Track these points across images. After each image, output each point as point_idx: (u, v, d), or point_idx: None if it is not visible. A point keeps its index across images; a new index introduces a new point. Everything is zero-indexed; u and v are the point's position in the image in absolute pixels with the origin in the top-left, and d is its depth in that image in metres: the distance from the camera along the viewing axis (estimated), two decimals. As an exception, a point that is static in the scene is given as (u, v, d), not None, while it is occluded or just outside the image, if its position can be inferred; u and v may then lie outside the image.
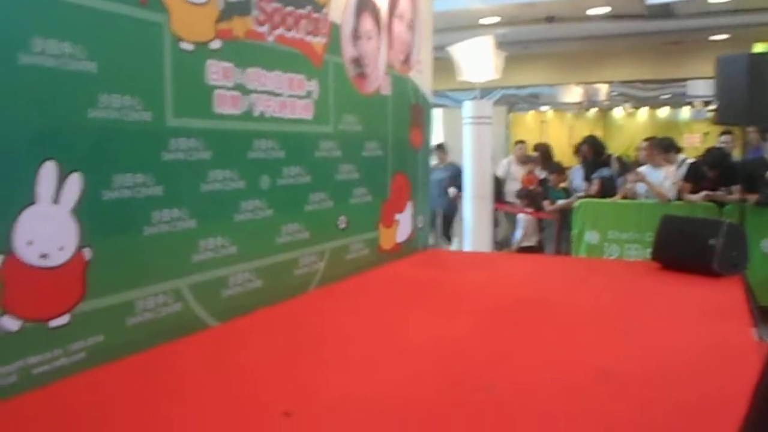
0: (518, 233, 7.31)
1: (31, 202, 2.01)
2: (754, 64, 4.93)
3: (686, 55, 11.97)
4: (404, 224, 4.64)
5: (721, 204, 5.86)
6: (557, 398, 2.04)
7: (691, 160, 6.69)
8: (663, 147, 6.49)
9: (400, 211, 4.58)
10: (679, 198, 6.14)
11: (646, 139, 6.89)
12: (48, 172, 2.05)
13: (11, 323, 1.96)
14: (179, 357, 2.44)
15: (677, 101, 15.97)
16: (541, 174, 7.66)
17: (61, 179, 2.09)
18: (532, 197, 7.29)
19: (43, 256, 2.05)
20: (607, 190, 6.70)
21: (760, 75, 4.89)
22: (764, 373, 0.95)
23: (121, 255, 2.35)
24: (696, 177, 6.11)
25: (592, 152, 7.31)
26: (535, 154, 8.08)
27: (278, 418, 1.87)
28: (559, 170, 7.36)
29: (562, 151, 9.69)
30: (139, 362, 2.33)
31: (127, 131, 2.36)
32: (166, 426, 1.85)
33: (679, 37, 11.06)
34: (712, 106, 5.65)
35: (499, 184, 7.65)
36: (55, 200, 2.08)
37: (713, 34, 10.64)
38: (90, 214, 2.19)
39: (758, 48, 9.19)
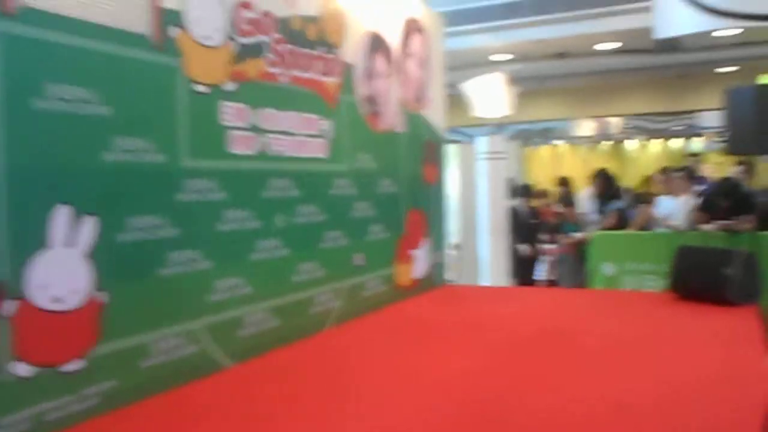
0: (543, 268, 7.25)
1: (45, 246, 2.00)
2: (761, 95, 4.97)
3: (694, 87, 12.03)
4: (420, 260, 4.60)
5: (734, 233, 5.80)
6: (578, 430, 2.02)
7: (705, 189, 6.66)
8: (689, 176, 6.51)
9: (416, 247, 4.55)
10: (694, 228, 6.08)
11: (663, 170, 6.86)
12: (61, 215, 2.05)
13: (24, 370, 1.94)
14: (194, 399, 2.41)
15: (689, 132, 15.95)
16: (558, 208, 7.63)
17: (75, 222, 2.09)
18: (553, 231, 7.25)
19: (56, 300, 2.03)
20: (622, 221, 6.67)
21: (766, 105, 4.91)
22: None
23: (136, 297, 2.33)
24: (709, 207, 6.06)
25: (604, 185, 7.29)
26: (557, 188, 8.05)
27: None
28: (572, 203, 7.34)
29: (577, 184, 9.66)
30: (154, 406, 2.30)
31: (141, 173, 2.36)
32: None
33: (687, 71, 11.14)
34: (722, 137, 5.65)
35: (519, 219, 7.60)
36: (69, 244, 2.07)
37: (719, 67, 10.69)
38: (104, 257, 2.18)
39: (764, 79, 9.20)
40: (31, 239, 1.98)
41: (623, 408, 2.19)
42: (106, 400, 2.19)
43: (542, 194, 7.94)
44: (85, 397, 2.13)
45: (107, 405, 2.19)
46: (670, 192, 6.36)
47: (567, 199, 7.45)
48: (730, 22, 6.15)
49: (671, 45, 9.09)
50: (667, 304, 3.99)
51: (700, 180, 7.04)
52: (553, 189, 8.16)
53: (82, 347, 2.12)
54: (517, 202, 7.62)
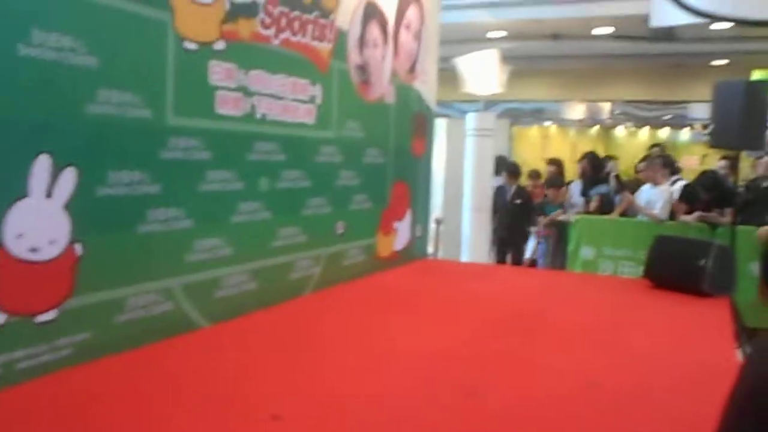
0: (531, 245, 7.26)
1: (24, 195, 1.99)
2: (749, 91, 5.02)
3: (687, 78, 12.05)
4: (403, 232, 4.62)
5: (713, 226, 5.89)
6: (545, 408, 2.07)
7: (684, 182, 6.72)
8: (663, 164, 6.55)
9: (399, 219, 4.56)
10: (673, 218, 6.16)
11: (643, 159, 6.91)
12: (42, 165, 2.02)
13: (-2, 316, 1.93)
14: (168, 357, 2.41)
15: (678, 123, 16.02)
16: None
17: (55, 173, 2.06)
18: (538, 212, 7.26)
19: (33, 250, 2.02)
20: (605, 206, 6.72)
21: (754, 102, 4.98)
22: (737, 387, 0.97)
23: (113, 252, 2.32)
24: (690, 198, 6.15)
25: (591, 168, 7.33)
26: (549, 167, 8.00)
27: (266, 422, 1.85)
28: (560, 185, 7.31)
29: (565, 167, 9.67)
30: (127, 360, 2.30)
31: (126, 128, 2.34)
32: (150, 426, 1.82)
33: (681, 60, 11.15)
34: (708, 130, 5.72)
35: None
36: (48, 194, 2.05)
37: (714, 59, 10.71)
38: (83, 210, 2.16)
39: (756, 74, 9.26)
40: (9, 188, 1.96)
41: (594, 386, 2.25)
42: (79, 352, 2.19)
43: (536, 174, 7.90)
44: (58, 347, 2.13)
45: (80, 357, 2.19)
46: (651, 180, 6.42)
47: (555, 180, 7.43)
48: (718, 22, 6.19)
49: (667, 34, 9.10)
50: (642, 291, 4.05)
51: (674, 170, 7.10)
52: (543, 169, 8.12)
53: (57, 298, 2.12)
54: (501, 179, 7.57)
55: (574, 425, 1.96)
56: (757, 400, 0.91)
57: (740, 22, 5.88)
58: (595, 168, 7.35)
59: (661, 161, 6.67)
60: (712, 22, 7.39)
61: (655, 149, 8.66)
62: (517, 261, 7.30)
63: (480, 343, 2.78)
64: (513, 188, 7.38)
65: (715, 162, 7.34)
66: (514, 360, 2.55)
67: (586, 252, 6.49)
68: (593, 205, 6.76)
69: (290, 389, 2.13)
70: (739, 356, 2.76)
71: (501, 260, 7.50)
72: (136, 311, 2.43)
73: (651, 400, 2.17)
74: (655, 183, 6.35)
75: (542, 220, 7.08)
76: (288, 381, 2.20)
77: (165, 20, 2.48)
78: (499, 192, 7.51)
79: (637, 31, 9.00)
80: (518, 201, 7.29)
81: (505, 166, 7.75)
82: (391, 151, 4.35)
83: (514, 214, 7.27)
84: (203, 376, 2.23)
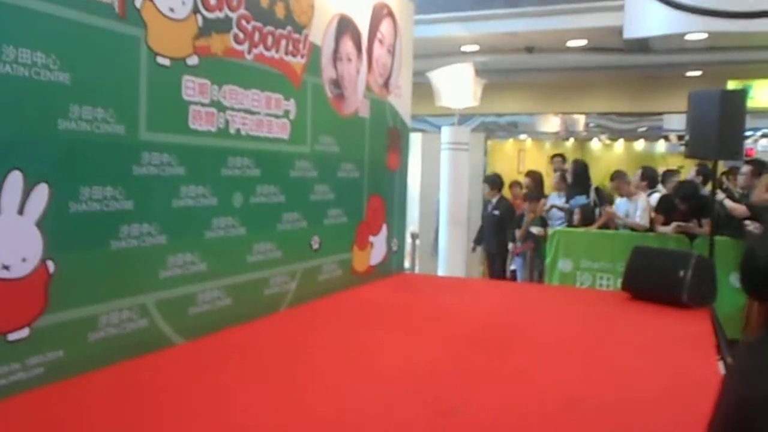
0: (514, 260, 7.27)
1: (-5, 212, 1.97)
2: (724, 100, 5.06)
3: (662, 89, 12.19)
4: (379, 247, 4.63)
5: (692, 236, 5.94)
6: (524, 425, 2.05)
7: (661, 193, 6.79)
8: (642, 176, 6.64)
9: (375, 233, 4.58)
10: (651, 229, 6.21)
11: (614, 173, 6.94)
12: (13, 182, 2.01)
13: (-33, 335, 1.91)
14: (142, 374, 2.40)
15: (653, 134, 16.24)
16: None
17: (27, 190, 2.06)
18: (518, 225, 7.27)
19: (5, 267, 2.00)
20: (586, 218, 6.73)
21: (729, 111, 5.03)
22: (719, 401, 0.96)
23: (87, 269, 2.31)
24: (667, 209, 6.20)
25: (573, 177, 7.23)
26: (525, 179, 7.99)
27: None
28: (538, 198, 7.30)
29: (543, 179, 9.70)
30: (101, 378, 2.28)
31: (99, 143, 2.33)
32: (123, 445, 1.81)
33: (656, 72, 11.28)
34: (684, 140, 5.76)
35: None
36: (20, 211, 2.04)
37: (689, 70, 10.87)
38: (56, 227, 2.15)
39: (732, 85, 9.42)
40: (-21, 204, 1.95)
41: (573, 402, 2.23)
42: (52, 371, 2.17)
43: (517, 185, 7.89)
44: (30, 366, 2.10)
45: (53, 375, 2.17)
46: (624, 193, 6.50)
47: (533, 193, 7.44)
48: (699, 21, 6.24)
49: (640, 45, 9.22)
50: (621, 304, 4.03)
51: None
52: (523, 181, 8.11)
53: (29, 316, 2.10)
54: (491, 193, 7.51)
55: None
56: (741, 426, 0.89)
57: (719, 15, 5.92)
58: (578, 176, 7.25)
59: (643, 173, 6.76)
60: (686, 33, 7.50)
61: (557, 158, 8.53)
62: (501, 273, 7.28)
63: (457, 359, 2.77)
64: (494, 200, 7.39)
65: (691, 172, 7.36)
66: (491, 376, 2.54)
67: (564, 265, 6.51)
68: (577, 218, 6.75)
69: (266, 406, 2.12)
70: (721, 368, 2.74)
71: (491, 274, 7.46)
72: (110, 328, 2.41)
73: (632, 414, 2.15)
74: (628, 195, 6.44)
75: (519, 233, 7.10)
76: (264, 398, 2.19)
77: (138, 36, 2.49)
78: (484, 205, 7.54)
79: (610, 42, 9.11)
80: (496, 212, 7.27)
81: (488, 179, 7.70)
82: (366, 165, 4.37)
83: (494, 225, 7.26)
84: (178, 393, 2.22)
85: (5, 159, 2.00)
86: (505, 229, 7.23)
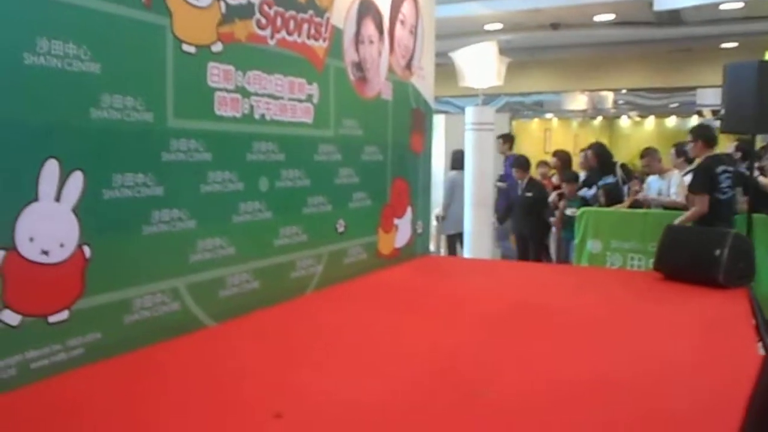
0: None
1: (34, 199, 2.05)
2: (763, 71, 4.82)
3: (696, 62, 11.86)
4: (403, 229, 4.67)
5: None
6: (553, 405, 2.04)
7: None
8: (677, 153, 6.48)
9: (400, 216, 4.61)
10: (686, 207, 6.09)
11: (645, 151, 6.81)
12: (50, 170, 2.09)
13: (11, 317, 2.00)
14: (175, 356, 2.48)
15: (686, 110, 15.88)
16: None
17: (63, 177, 2.13)
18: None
19: (44, 252, 2.08)
20: (613, 197, 6.62)
21: (768, 83, 4.80)
22: (758, 384, 0.94)
23: (120, 253, 2.39)
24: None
25: (597, 160, 7.20)
26: (552, 159, 7.90)
27: (269, 419, 1.90)
28: (575, 179, 7.19)
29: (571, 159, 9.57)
30: (136, 360, 2.36)
31: (129, 131, 2.40)
32: (157, 423, 1.88)
33: (689, 45, 10.90)
34: (720, 114, 5.53)
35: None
36: (57, 198, 2.12)
37: (724, 42, 10.51)
38: (91, 213, 2.23)
39: (769, 56, 9.09)
40: (20, 192, 2.02)
41: (603, 384, 2.21)
42: (90, 352, 2.26)
43: (545, 164, 7.77)
44: (70, 347, 2.19)
45: (91, 356, 2.26)
46: (655, 171, 6.38)
47: (572, 175, 7.30)
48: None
49: (672, 17, 8.93)
50: (652, 284, 3.96)
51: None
52: (550, 161, 8.00)
53: (68, 299, 2.18)
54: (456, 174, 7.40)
55: (582, 423, 1.92)
56: None
57: None
58: (601, 159, 7.21)
59: (678, 150, 6.60)
60: (720, 3, 7.18)
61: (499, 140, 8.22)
62: (542, 255, 7.12)
63: (484, 341, 2.77)
64: (524, 181, 7.32)
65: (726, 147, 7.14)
66: (518, 357, 2.54)
67: (593, 245, 6.42)
68: (602, 199, 6.67)
69: (294, 387, 2.17)
70: (760, 350, 2.66)
71: (523, 257, 7.37)
72: (143, 311, 2.50)
73: (666, 396, 2.12)
74: (660, 173, 6.32)
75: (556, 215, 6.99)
76: (292, 379, 2.25)
77: (164, 24, 2.54)
78: (511, 187, 7.45)
79: (640, 16, 8.88)
80: (529, 194, 7.20)
81: (516, 161, 7.61)
82: (390, 148, 4.40)
83: (528, 207, 7.18)
84: (208, 374, 2.28)
85: (42, 148, 2.08)
86: (538, 210, 7.13)
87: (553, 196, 6.97)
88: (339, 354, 2.56)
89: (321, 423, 1.91)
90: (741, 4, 7.62)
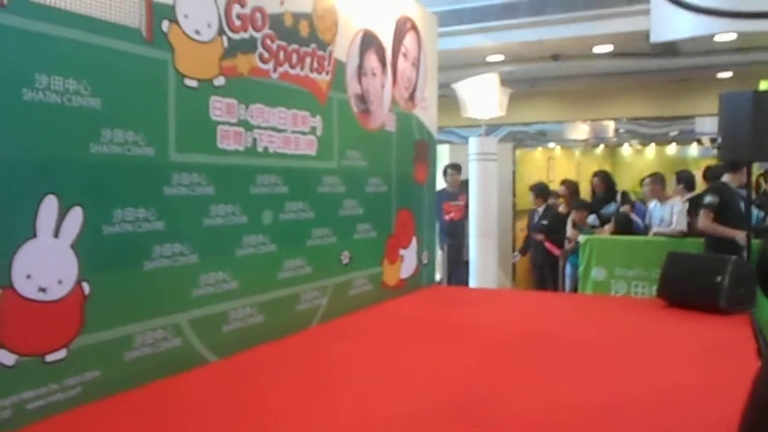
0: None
1: (31, 236, 2.02)
2: (757, 101, 4.97)
3: (692, 92, 11.99)
4: (409, 260, 4.62)
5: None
6: None
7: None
8: (678, 179, 6.50)
9: (405, 246, 4.58)
10: (689, 234, 6.08)
11: (650, 176, 6.84)
12: (49, 206, 2.06)
13: (7, 357, 1.95)
14: (177, 393, 2.42)
15: (685, 138, 15.97)
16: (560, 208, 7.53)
17: (62, 213, 2.10)
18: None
19: (42, 290, 2.04)
20: (622, 224, 6.59)
21: (762, 111, 4.92)
22: (752, 397, 0.93)
23: (121, 289, 2.35)
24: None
25: (603, 187, 7.25)
26: (561, 188, 7.93)
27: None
28: (584, 207, 7.18)
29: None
30: (136, 398, 2.31)
31: (130, 166, 2.38)
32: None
33: (685, 75, 11.09)
34: (717, 143, 5.62)
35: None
36: (56, 234, 2.09)
37: (719, 72, 10.68)
38: (90, 249, 2.20)
39: (764, 85, 9.21)
40: (17, 228, 1.99)
41: (609, 412, 2.19)
42: (89, 391, 2.20)
43: (554, 194, 7.80)
44: (67, 386, 2.14)
45: (90, 395, 2.20)
46: (656, 196, 6.38)
47: (584, 204, 7.31)
48: (727, 21, 6.13)
49: (668, 49, 9.09)
50: (656, 311, 3.96)
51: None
52: (558, 190, 8.02)
53: (65, 337, 2.14)
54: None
55: None
56: None
57: (740, 16, 5.80)
58: (606, 186, 7.25)
59: (679, 177, 6.62)
60: (714, 34, 7.36)
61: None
62: (551, 284, 7.10)
63: (491, 369, 2.75)
64: (541, 209, 7.32)
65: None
66: (526, 388, 2.50)
67: (598, 273, 6.41)
68: (611, 227, 6.65)
69: (301, 422, 2.13)
70: None
71: (540, 286, 7.31)
72: (145, 348, 2.45)
73: (670, 423, 2.10)
74: (661, 199, 6.32)
75: (568, 243, 6.95)
76: (299, 413, 2.20)
77: (165, 59, 2.54)
78: (530, 215, 7.47)
79: (637, 47, 9.01)
80: (544, 222, 7.18)
81: (534, 188, 7.60)
82: (394, 179, 4.38)
83: (545, 234, 7.18)
84: (214, 411, 2.23)
85: (40, 183, 2.05)
86: (554, 238, 7.11)
87: (570, 232, 6.92)
88: (345, 387, 2.51)
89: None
90: (734, 36, 7.74)
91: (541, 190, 7.44)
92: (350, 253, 3.83)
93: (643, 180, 6.76)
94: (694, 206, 6.07)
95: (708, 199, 5.35)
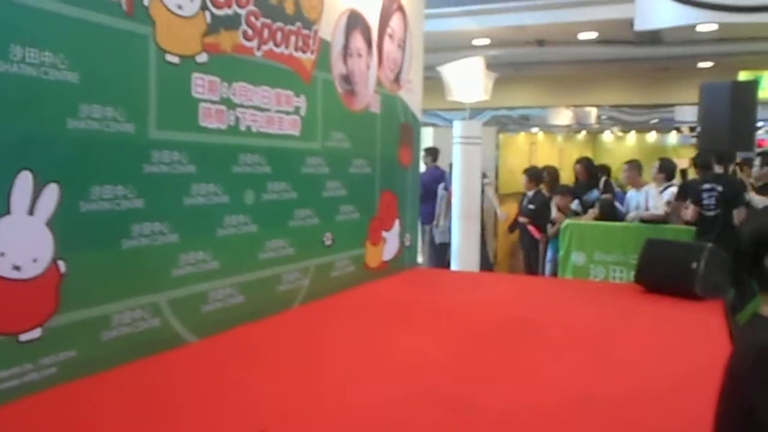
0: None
1: (5, 213, 1.97)
2: (736, 91, 5.03)
3: (674, 81, 12.10)
4: (391, 242, 4.61)
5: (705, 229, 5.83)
6: (536, 422, 2.03)
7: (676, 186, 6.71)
8: (659, 168, 6.56)
9: (388, 229, 4.56)
10: (666, 220, 6.15)
11: (627, 162, 6.89)
12: (23, 182, 2.00)
13: (-20, 336, 1.91)
14: (156, 373, 2.39)
15: (665, 126, 16.12)
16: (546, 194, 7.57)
17: (37, 190, 2.05)
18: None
19: (16, 268, 2.00)
20: (607, 211, 6.64)
21: (741, 102, 5.00)
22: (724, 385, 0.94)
23: (98, 268, 2.31)
24: (686, 197, 6.11)
25: (586, 174, 7.33)
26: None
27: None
28: (568, 192, 7.22)
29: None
30: (114, 378, 2.28)
31: (109, 142, 2.32)
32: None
33: (667, 64, 11.20)
34: (697, 132, 5.70)
35: None
36: (30, 211, 2.03)
37: (700, 62, 10.78)
38: (66, 226, 2.15)
39: (743, 76, 9.32)
40: (-10, 205, 1.94)
41: (587, 397, 2.21)
42: (65, 371, 2.17)
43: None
44: (42, 366, 2.10)
45: (66, 376, 2.16)
46: (632, 183, 6.45)
47: (566, 188, 7.36)
48: (709, 12, 6.18)
49: (652, 37, 9.14)
50: (634, 296, 4.00)
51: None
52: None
53: (40, 316, 2.09)
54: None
55: None
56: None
57: (727, 9, 5.85)
58: (589, 173, 7.33)
59: (662, 165, 6.68)
60: (696, 25, 7.42)
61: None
62: (535, 267, 7.17)
63: (471, 354, 2.75)
64: (531, 193, 7.36)
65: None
66: (504, 371, 2.52)
67: (577, 257, 6.48)
68: (596, 212, 6.70)
69: (279, 403, 2.12)
70: None
71: (527, 269, 7.37)
72: (122, 327, 2.41)
73: (645, 409, 2.12)
74: (637, 187, 6.38)
75: (550, 227, 7.00)
76: (277, 395, 2.19)
77: (146, 34, 2.47)
78: (521, 198, 7.55)
79: (621, 35, 9.05)
80: (531, 206, 7.24)
81: (529, 171, 7.62)
82: (378, 160, 4.35)
83: (528, 219, 7.24)
84: (191, 391, 2.21)
85: (15, 159, 2.00)
86: (540, 223, 7.16)
87: (556, 214, 6.96)
88: (325, 369, 2.50)
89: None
90: (715, 26, 7.80)
91: (534, 174, 7.49)
92: (333, 234, 3.80)
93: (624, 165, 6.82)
94: (683, 194, 6.14)
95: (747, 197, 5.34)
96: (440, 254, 7.67)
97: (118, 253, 2.39)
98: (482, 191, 7.39)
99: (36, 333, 2.07)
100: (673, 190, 6.46)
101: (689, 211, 5.57)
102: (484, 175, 7.53)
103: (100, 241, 2.32)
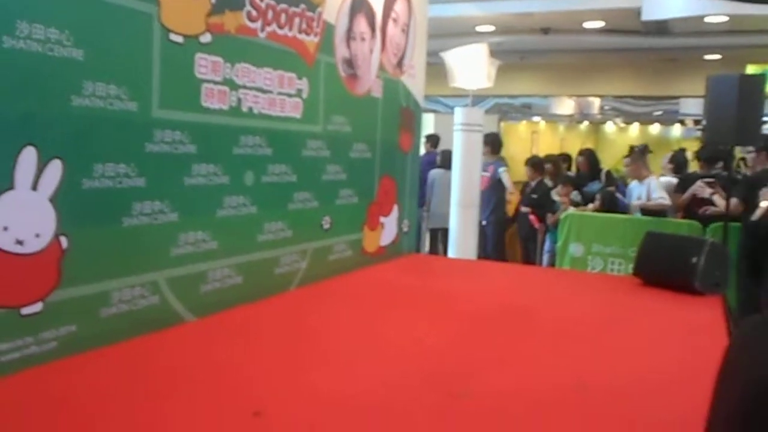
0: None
1: (9, 188, 1.99)
2: (743, 85, 4.99)
3: (680, 73, 12.04)
4: (389, 228, 4.63)
5: (705, 223, 5.86)
6: (532, 409, 2.04)
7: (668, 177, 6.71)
8: (677, 162, 6.56)
9: (386, 214, 4.58)
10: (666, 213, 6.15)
11: (629, 155, 6.87)
12: (27, 157, 2.02)
13: (-18, 309, 1.93)
14: (152, 350, 2.42)
15: (669, 118, 16.06)
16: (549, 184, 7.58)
17: (41, 166, 2.07)
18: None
19: (19, 242, 2.02)
20: (608, 203, 6.64)
21: (748, 96, 4.96)
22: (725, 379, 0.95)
23: (99, 245, 2.33)
24: (687, 188, 6.11)
25: (588, 165, 7.34)
26: (547, 166, 7.96)
27: (248, 418, 1.86)
28: (570, 182, 7.21)
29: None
30: (112, 354, 2.31)
31: (112, 120, 2.34)
32: (132, 419, 1.83)
33: (674, 55, 11.12)
34: (702, 125, 5.67)
35: None
36: (34, 187, 2.06)
37: (707, 54, 10.70)
38: (69, 203, 2.17)
39: (751, 69, 9.25)
40: (-6, 180, 1.96)
41: (583, 387, 2.22)
42: (65, 345, 2.20)
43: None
44: (43, 340, 2.13)
45: (66, 350, 2.19)
46: (636, 175, 6.44)
47: (570, 179, 7.35)
48: (719, 3, 6.14)
49: (659, 28, 9.07)
50: (632, 289, 3.99)
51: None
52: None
53: (42, 291, 2.12)
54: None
55: (560, 428, 1.93)
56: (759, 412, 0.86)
57: None
58: (591, 165, 7.34)
59: (674, 157, 6.66)
60: (705, 16, 7.38)
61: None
62: (533, 257, 7.19)
63: (468, 341, 2.76)
64: (533, 183, 7.38)
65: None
66: (502, 359, 2.53)
67: (575, 249, 6.48)
68: (597, 204, 6.71)
69: (274, 385, 2.13)
70: None
71: (526, 258, 7.39)
72: (122, 304, 2.44)
73: (642, 399, 2.14)
74: (639, 178, 6.37)
75: (551, 216, 7.01)
76: (272, 376, 2.21)
77: (151, 12, 2.48)
78: (523, 187, 7.55)
79: (628, 24, 8.99)
80: (534, 196, 7.25)
81: (531, 161, 7.65)
82: (378, 145, 4.36)
83: (533, 208, 7.25)
84: (186, 370, 2.23)
85: (19, 135, 2.02)
86: (542, 213, 7.17)
87: (560, 199, 6.98)
88: (321, 352, 2.52)
89: (301, 422, 1.87)
90: (725, 18, 7.75)
91: (537, 164, 7.51)
92: (331, 218, 3.82)
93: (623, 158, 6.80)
94: (681, 186, 6.15)
95: None
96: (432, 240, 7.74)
97: (119, 231, 2.41)
98: (499, 180, 7.42)
99: (37, 307, 2.10)
100: (665, 179, 6.47)
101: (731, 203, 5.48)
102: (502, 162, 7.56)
103: (101, 218, 2.34)
